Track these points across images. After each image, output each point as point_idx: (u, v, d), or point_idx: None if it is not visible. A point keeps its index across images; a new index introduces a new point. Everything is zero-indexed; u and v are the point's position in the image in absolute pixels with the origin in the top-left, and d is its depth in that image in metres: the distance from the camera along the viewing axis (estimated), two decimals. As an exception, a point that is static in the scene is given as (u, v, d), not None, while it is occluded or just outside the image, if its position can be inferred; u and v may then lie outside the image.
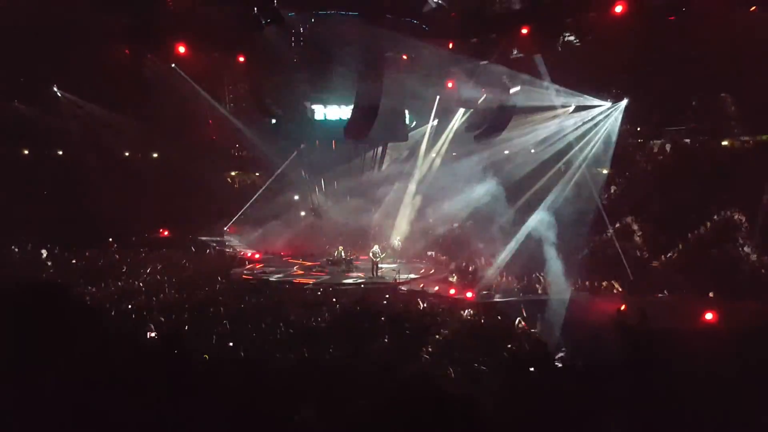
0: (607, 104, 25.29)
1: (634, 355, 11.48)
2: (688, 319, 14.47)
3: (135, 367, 6.54)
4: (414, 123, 29.04)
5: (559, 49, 21.96)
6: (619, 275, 20.09)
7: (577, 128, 26.01)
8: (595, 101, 25.05)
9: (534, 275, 20.39)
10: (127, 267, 22.29)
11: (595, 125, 25.84)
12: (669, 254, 21.28)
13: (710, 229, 20.84)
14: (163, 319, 14.28)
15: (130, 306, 15.83)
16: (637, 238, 22.99)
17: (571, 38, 21.94)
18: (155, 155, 31.37)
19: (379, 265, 23.00)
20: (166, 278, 20.48)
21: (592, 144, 25.76)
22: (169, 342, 9.94)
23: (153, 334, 11.60)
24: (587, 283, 19.67)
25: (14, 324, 5.53)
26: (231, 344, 12.34)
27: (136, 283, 19.69)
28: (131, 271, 21.47)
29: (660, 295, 18.40)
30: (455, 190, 26.52)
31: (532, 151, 28.22)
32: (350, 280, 22.25)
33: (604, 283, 19.35)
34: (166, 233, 29.09)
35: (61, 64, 23.50)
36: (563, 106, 25.39)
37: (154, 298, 17.23)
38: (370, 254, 23.13)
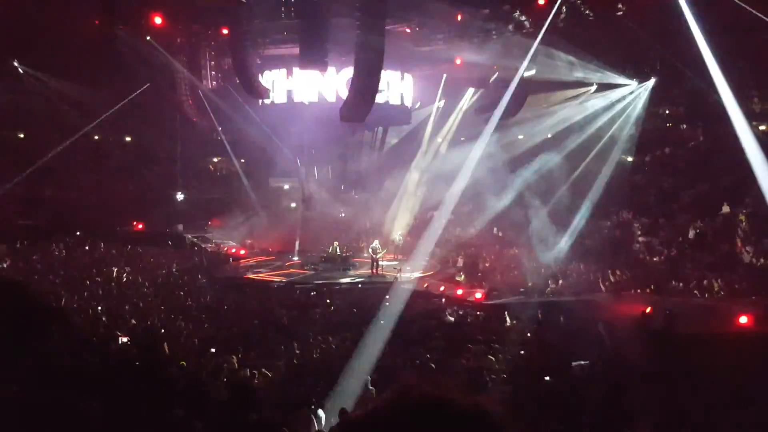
0: (633, 83, 25.15)
1: (660, 362, 11.45)
2: (720, 322, 14.44)
3: (103, 375, 6.50)
4: (418, 104, 28.90)
5: (580, 21, 21.81)
6: (645, 274, 20.08)
7: (599, 110, 25.92)
8: (620, 80, 24.91)
9: (551, 273, 20.38)
10: (97, 264, 22.22)
11: (621, 107, 25.71)
12: (700, 251, 21.24)
13: (746, 224, 20.76)
14: (135, 323, 14.25)
15: (99, 308, 15.76)
16: (665, 233, 22.96)
17: (593, 8, 21.78)
18: (128, 139, 31.24)
19: (380, 262, 22.99)
20: (141, 277, 20.46)
21: (616, 128, 25.69)
22: (142, 348, 9.90)
23: (124, 340, 11.57)
24: (608, 282, 19.63)
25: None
26: (213, 350, 12.30)
27: (107, 282, 19.63)
28: (101, 269, 21.42)
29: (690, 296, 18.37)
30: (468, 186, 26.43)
31: (549, 135, 28.16)
32: (348, 279, 22.26)
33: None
34: (140, 226, 29.07)
35: (23, 36, 23.28)
36: (584, 85, 25.25)
37: (126, 299, 17.18)
38: (370, 250, 23.17)
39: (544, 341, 13.57)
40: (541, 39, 21.32)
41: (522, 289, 19.47)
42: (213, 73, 26.03)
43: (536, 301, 17.89)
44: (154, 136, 28.97)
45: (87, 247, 24.42)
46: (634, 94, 25.68)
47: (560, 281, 20.31)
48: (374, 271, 22.91)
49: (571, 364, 11.68)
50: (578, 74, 24.12)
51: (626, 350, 12.25)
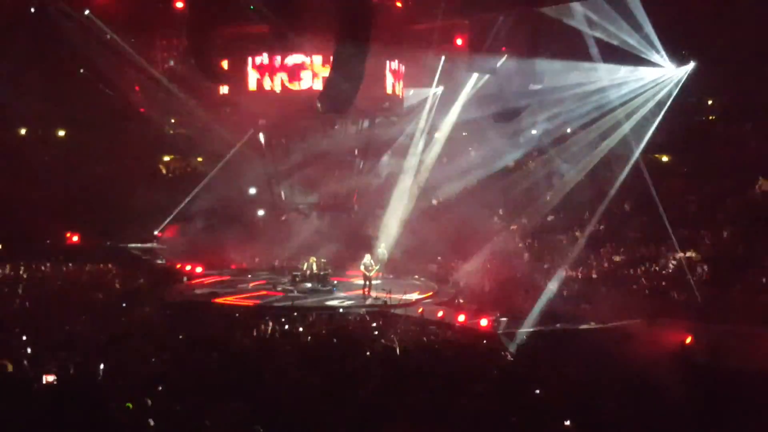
0: (668, 69, 25.28)
1: (702, 400, 11.40)
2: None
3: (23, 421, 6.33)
4: (411, 92, 28.94)
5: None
6: (683, 296, 20.14)
7: (625, 101, 26.14)
8: (651, 65, 25.02)
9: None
10: (21, 284, 21.95)
11: (649, 94, 25.85)
12: (749, 269, 21.35)
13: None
14: (66, 356, 14.03)
15: (24, 337, 15.51)
16: (707, 248, 23.07)
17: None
18: (61, 133, 30.95)
19: (372, 282, 23.16)
20: (73, 300, 20.26)
21: (641, 120, 25.99)
22: (72, 387, 9.69)
23: (50, 378, 11.34)
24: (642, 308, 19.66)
25: None
26: (159, 388, 12.10)
27: (31, 306, 19.36)
28: (25, 291, 21.17)
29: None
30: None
31: (568, 131, 28.31)
32: (333, 303, 22.31)
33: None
34: (74, 239, 28.86)
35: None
36: (608, 71, 25.34)
37: (55, 327, 16.90)
38: (361, 267, 23.27)
39: (565, 378, 13.51)
40: (559, 11, 21.41)
41: (537, 315, 19.35)
42: (165, 54, 25.90)
43: (554, 330, 17.96)
44: (93, 129, 28.70)
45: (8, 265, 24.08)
46: (665, 80, 25.88)
47: (582, 305, 20.35)
48: (366, 291, 22.85)
49: (598, 405, 11.60)
50: (601, 58, 24.15)
51: (662, 389, 12.19)
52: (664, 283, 21.88)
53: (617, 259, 24.67)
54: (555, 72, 24.60)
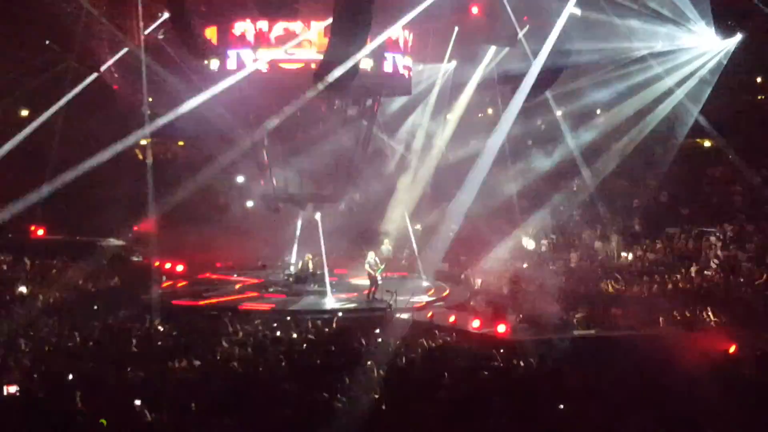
0: (711, 38, 25.03)
1: (750, 419, 11.37)
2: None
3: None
4: (420, 67, 28.83)
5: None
6: (725, 299, 20.10)
7: (662, 77, 26.07)
8: (694, 31, 24.77)
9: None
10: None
11: (689, 70, 25.84)
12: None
13: None
14: (30, 365, 14.12)
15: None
16: (755, 245, 23.02)
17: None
18: (24, 112, 30.91)
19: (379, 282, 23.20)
20: (40, 302, 20.35)
21: (682, 99, 26.01)
22: (37, 399, 9.76)
23: (12, 389, 11.42)
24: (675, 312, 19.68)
25: None
26: (138, 402, 12.18)
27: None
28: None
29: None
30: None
31: (597, 111, 28.24)
32: (336, 305, 22.37)
33: None
34: (40, 232, 28.92)
35: None
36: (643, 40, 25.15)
37: (18, 331, 17.01)
38: (366, 266, 23.37)
39: (592, 392, 13.50)
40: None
41: (562, 320, 19.53)
42: (142, 24, 25.73)
43: (581, 337, 18.04)
44: (61, 108, 28.61)
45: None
46: (708, 55, 25.67)
47: (613, 309, 20.40)
48: (371, 293, 23.03)
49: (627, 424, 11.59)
50: (637, 22, 23.98)
51: (703, 401, 12.15)
52: (705, 285, 21.83)
53: (652, 256, 24.63)
54: (583, 42, 24.47)
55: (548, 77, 24.40)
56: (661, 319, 19.29)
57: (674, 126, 26.80)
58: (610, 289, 22.53)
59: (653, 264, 24.25)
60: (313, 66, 22.97)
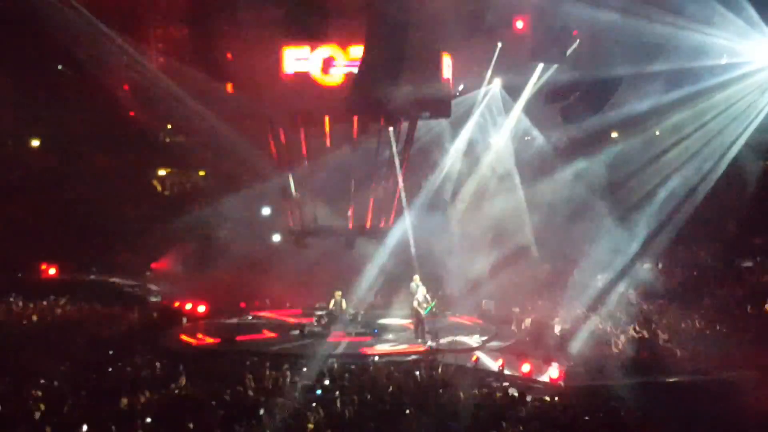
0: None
1: None
2: None
3: None
4: (461, 86, 28.81)
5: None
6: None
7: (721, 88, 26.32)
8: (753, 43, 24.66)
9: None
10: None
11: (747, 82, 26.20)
12: None
13: None
14: (40, 417, 13.99)
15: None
16: None
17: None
18: (36, 143, 31.42)
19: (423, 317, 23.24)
20: (49, 347, 20.35)
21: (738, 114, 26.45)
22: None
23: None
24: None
25: None
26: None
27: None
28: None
29: None
30: None
31: (657, 133, 28.25)
32: (385, 347, 22.46)
33: None
34: (51, 272, 29.16)
35: None
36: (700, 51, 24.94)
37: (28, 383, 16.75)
38: (414, 303, 23.49)
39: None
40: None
41: (622, 364, 19.28)
42: (160, 46, 26.13)
43: (644, 382, 17.69)
44: (73, 138, 29.02)
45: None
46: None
47: (676, 351, 20.19)
48: (418, 334, 23.07)
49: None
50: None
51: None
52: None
53: (720, 292, 24.17)
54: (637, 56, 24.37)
55: (602, 96, 24.28)
56: (733, 361, 19.12)
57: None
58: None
59: (723, 301, 23.99)
60: (347, 86, 23.29)
